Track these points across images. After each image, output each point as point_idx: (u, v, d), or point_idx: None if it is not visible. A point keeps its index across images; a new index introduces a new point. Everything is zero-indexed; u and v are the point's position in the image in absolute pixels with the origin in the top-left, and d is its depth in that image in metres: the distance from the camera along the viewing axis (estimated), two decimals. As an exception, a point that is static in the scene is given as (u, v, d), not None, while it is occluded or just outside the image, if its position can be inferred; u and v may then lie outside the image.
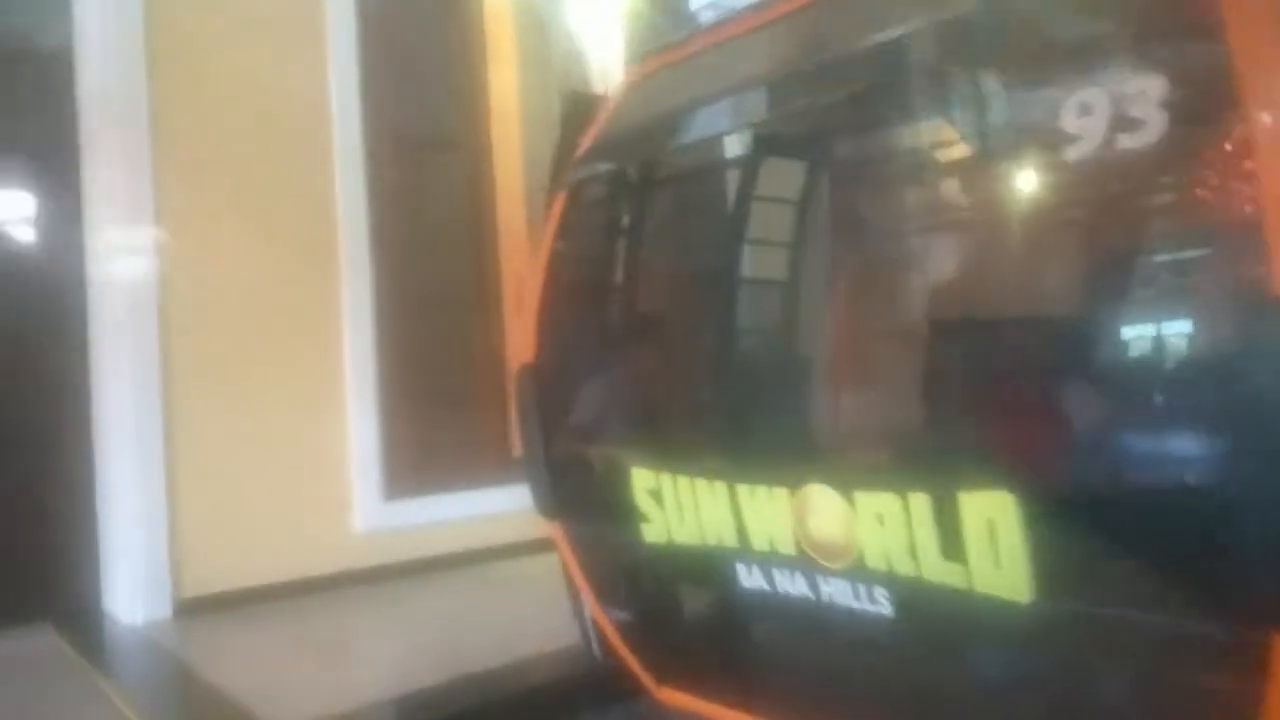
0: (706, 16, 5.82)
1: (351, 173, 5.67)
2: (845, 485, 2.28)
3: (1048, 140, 2.21)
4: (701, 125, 3.09)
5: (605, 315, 3.24)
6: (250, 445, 5.25)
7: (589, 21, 5.92)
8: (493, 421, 5.97)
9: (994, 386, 2.44)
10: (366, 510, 5.56)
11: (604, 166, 3.11)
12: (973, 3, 2.25)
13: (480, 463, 5.84)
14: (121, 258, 5.11)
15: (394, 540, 5.51)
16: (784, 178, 3.37)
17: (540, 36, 6.05)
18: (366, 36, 5.74)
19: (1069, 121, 2.32)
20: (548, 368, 3.09)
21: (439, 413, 5.82)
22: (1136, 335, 2.10)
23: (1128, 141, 2.04)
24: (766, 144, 3.25)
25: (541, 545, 5.31)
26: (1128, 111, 2.00)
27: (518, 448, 6.08)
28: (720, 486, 2.59)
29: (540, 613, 4.28)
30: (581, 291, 3.24)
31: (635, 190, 3.23)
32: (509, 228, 6.09)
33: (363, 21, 5.73)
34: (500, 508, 5.54)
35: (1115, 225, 2.47)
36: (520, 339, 3.12)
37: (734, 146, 3.32)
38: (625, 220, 3.23)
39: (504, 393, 5.98)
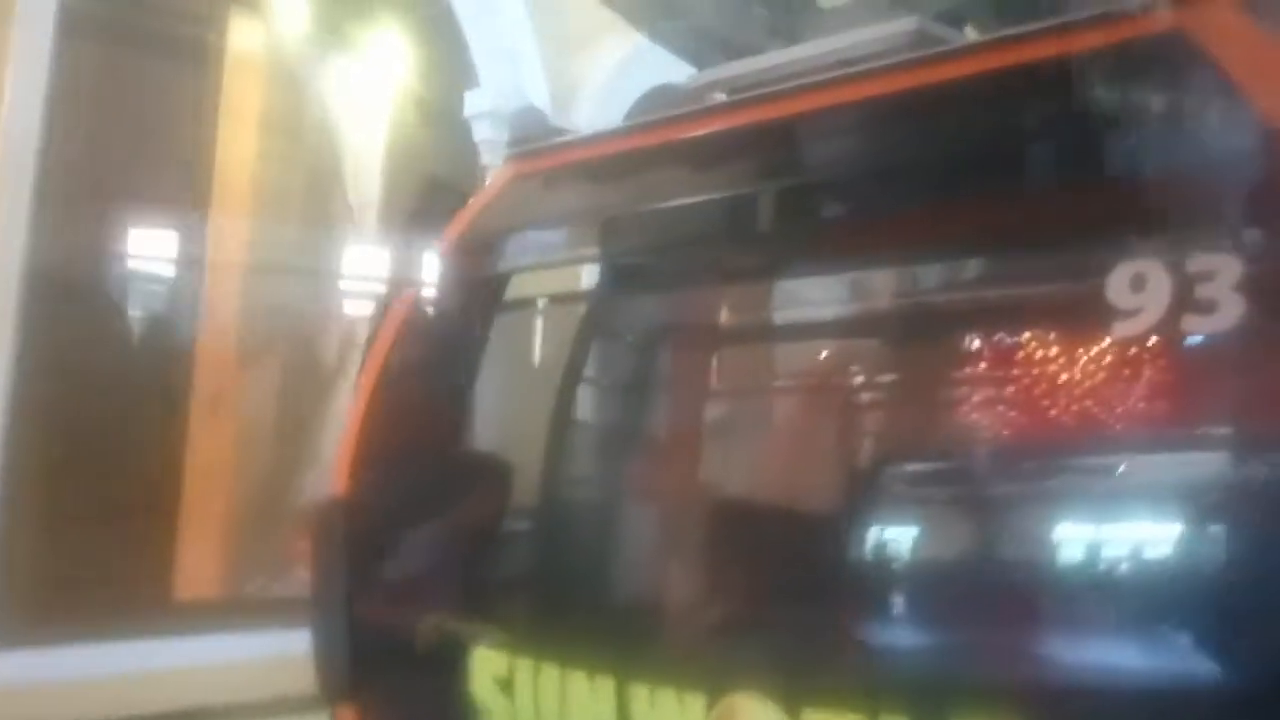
0: (481, 128, 5.76)
1: (11, 217, 4.85)
2: (789, 699, 2.08)
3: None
4: (587, 245, 2.94)
5: (450, 446, 2.88)
6: None
7: (355, 96, 5.61)
8: (154, 555, 5.15)
9: (1005, 583, 2.40)
10: (-49, 663, 4.51)
11: (470, 271, 2.82)
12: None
13: (131, 607, 4.97)
14: None
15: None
16: (683, 316, 3.27)
17: (294, 102, 5.63)
18: (61, 64, 5.03)
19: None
20: (364, 504, 2.68)
21: (79, 539, 4.92)
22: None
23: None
24: (651, 276, 3.13)
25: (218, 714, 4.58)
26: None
27: (192, 589, 5.31)
28: (605, 683, 2.30)
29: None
30: (421, 414, 2.87)
31: (504, 303, 2.97)
32: (217, 313, 5.43)
33: (59, 46, 5.02)
34: (157, 666, 4.70)
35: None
36: (336, 465, 2.68)
37: (620, 272, 3.17)
38: (488, 335, 2.94)
39: (173, 519, 5.21)
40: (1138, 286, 1.91)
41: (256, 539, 5.29)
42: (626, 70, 5.93)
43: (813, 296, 3.43)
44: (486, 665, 2.44)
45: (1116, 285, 1.92)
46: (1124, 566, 2.66)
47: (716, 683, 2.17)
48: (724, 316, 3.45)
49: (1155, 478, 3.00)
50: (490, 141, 5.56)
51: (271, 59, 5.56)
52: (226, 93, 5.52)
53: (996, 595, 2.58)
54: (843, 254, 3.08)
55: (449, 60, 5.77)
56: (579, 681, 2.33)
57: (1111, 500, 2.91)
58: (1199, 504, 2.66)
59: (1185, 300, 1.85)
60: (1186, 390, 3.18)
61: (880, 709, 1.99)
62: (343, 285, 5.55)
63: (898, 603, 2.57)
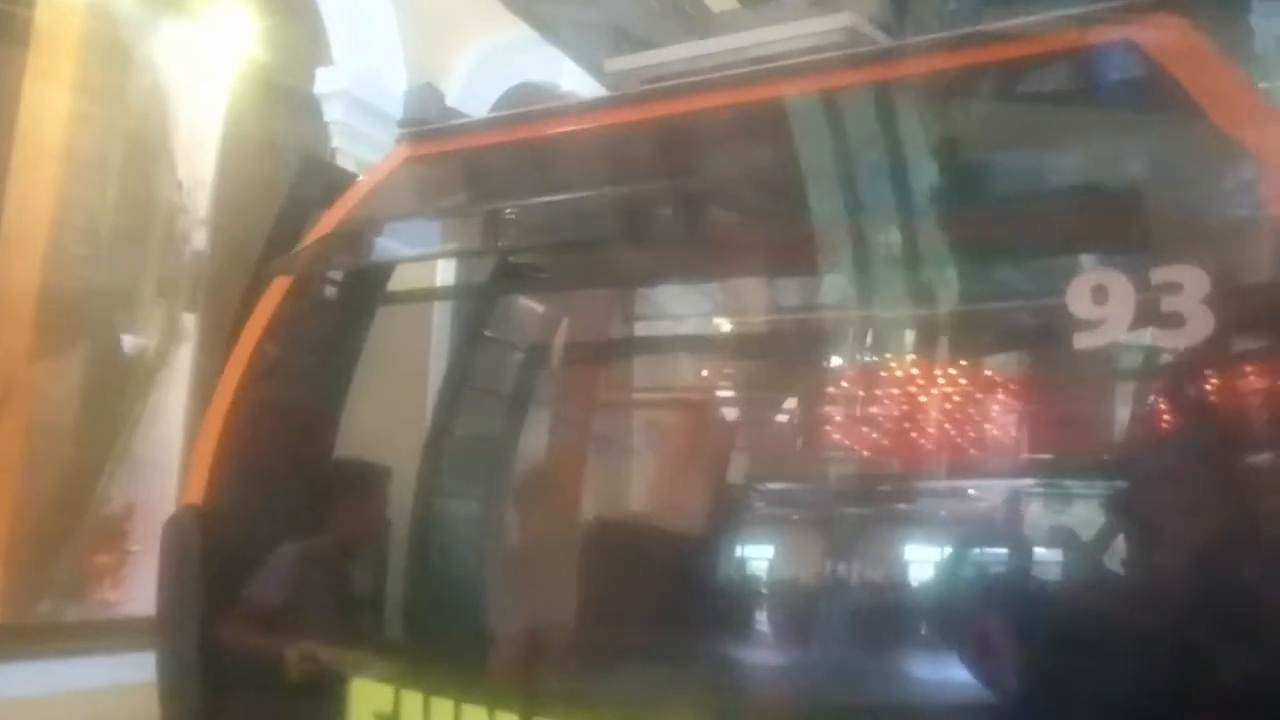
0: (333, 108, 5.47)
1: None
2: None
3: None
4: (479, 237, 2.78)
5: (322, 452, 2.64)
6: None
7: (192, 66, 5.19)
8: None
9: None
10: None
11: (354, 258, 2.61)
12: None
13: None
14: None
15: None
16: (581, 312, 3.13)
17: (117, 66, 5.16)
18: None
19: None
20: (225, 515, 2.42)
21: None
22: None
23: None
24: (543, 275, 2.99)
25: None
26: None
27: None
28: (506, 719, 2.14)
29: None
30: (291, 416, 2.62)
31: (388, 295, 2.76)
32: (8, 296, 4.87)
33: None
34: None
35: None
36: (193, 470, 2.42)
37: (512, 269, 3.00)
38: (368, 330, 2.72)
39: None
40: (1099, 298, 1.89)
41: (47, 554, 4.79)
42: (491, 64, 5.75)
43: (704, 306, 3.36)
44: (367, 699, 2.23)
45: (1077, 296, 1.90)
46: (980, 586, 2.71)
47: (637, 716, 2.04)
48: (616, 323, 3.34)
49: (1009, 502, 3.08)
50: (342, 123, 5.24)
51: (91, 19, 5.11)
52: (36, 53, 5.02)
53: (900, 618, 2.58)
54: (746, 263, 3.01)
55: (299, 33, 5.43)
56: (477, 718, 2.15)
57: (971, 523, 2.97)
58: (1051, 529, 2.75)
59: (1150, 313, 1.84)
60: (1041, 419, 3.28)
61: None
62: (168, 267, 5.11)
63: (818, 630, 2.51)
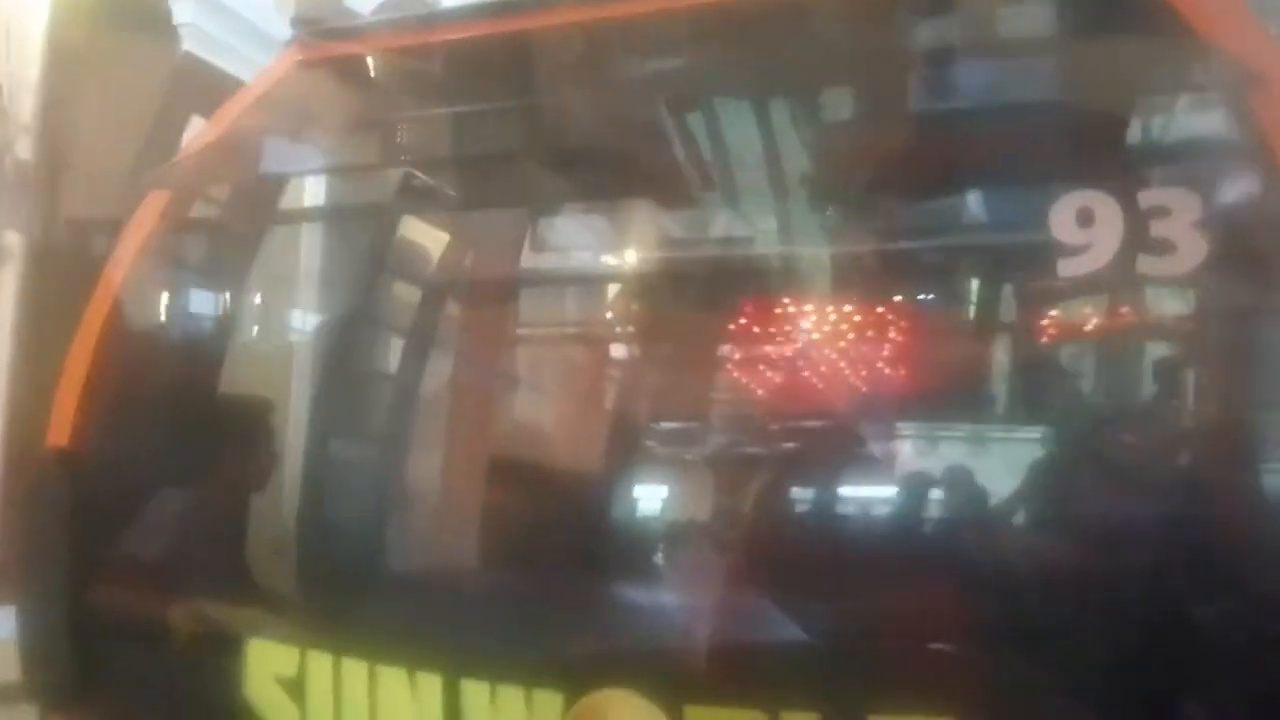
0: (184, 9, 5.07)
1: None
2: (671, 696, 1.89)
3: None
4: (378, 151, 2.58)
5: (204, 388, 2.41)
6: None
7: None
8: None
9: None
10: None
11: (240, 171, 2.38)
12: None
13: None
14: None
15: None
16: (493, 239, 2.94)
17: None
18: None
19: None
20: (95, 459, 2.19)
21: None
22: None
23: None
24: (447, 191, 2.80)
25: None
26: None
27: None
28: (430, 682, 2.00)
29: None
30: (168, 349, 2.38)
31: (277, 214, 2.53)
32: None
33: None
34: None
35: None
36: (57, 412, 2.17)
37: (414, 186, 2.80)
38: (254, 253, 2.49)
39: None
40: (1085, 221, 1.84)
41: None
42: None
43: (612, 240, 3.23)
44: (267, 661, 2.06)
45: (1062, 219, 1.85)
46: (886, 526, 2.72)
47: (577, 677, 1.93)
48: (521, 255, 3.17)
49: (908, 443, 3.10)
50: (192, 26, 4.83)
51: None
52: None
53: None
54: (667, 186, 2.89)
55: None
56: (395, 681, 2.01)
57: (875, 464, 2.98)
58: (952, 470, 2.77)
59: (1140, 238, 1.80)
60: (938, 361, 3.30)
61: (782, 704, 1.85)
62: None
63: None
